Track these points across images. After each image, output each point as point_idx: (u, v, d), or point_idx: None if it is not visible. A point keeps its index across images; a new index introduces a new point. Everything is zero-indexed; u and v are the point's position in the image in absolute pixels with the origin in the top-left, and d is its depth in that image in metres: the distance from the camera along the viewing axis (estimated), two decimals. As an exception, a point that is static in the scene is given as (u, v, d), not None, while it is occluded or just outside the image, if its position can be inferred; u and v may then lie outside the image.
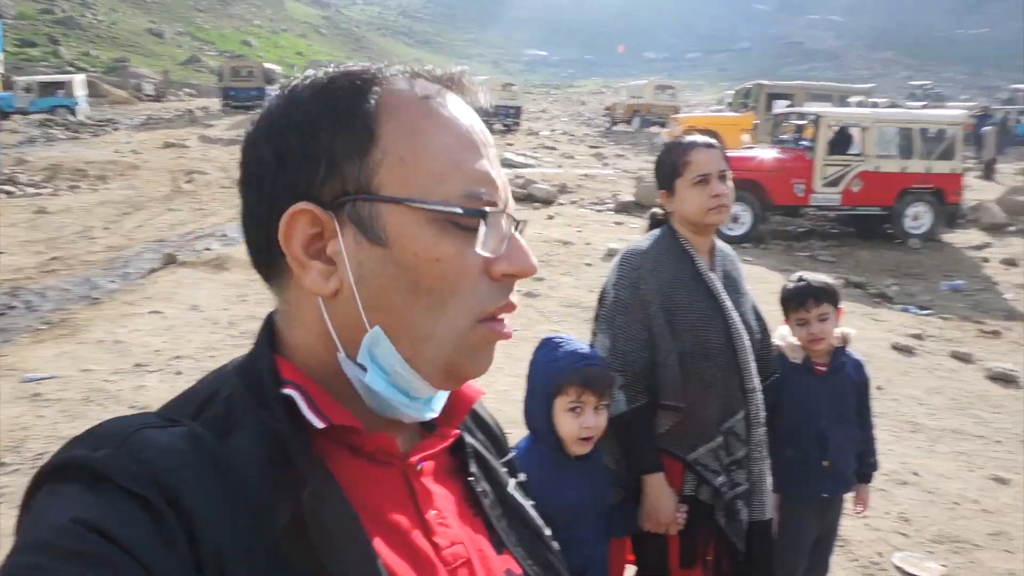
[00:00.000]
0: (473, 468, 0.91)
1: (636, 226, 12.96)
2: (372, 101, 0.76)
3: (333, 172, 0.74)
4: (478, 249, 0.75)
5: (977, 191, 16.49)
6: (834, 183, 12.88)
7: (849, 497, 3.25)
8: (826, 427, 3.05)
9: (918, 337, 8.36)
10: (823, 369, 3.10)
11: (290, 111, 0.77)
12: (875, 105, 23.37)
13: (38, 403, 5.66)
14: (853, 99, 20.78)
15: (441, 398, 0.85)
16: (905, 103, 41.47)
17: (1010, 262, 12.16)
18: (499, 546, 0.87)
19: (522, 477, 1.00)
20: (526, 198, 14.81)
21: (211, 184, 17.07)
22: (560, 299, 8.92)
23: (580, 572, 2.21)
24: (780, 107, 18.52)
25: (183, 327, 7.54)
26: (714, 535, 2.47)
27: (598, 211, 14.82)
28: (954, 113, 14.88)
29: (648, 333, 2.43)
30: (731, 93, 28.07)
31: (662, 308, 2.42)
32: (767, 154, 13.62)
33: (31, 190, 16.10)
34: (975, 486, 5.06)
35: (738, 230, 12.65)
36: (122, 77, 50.78)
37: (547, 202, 14.84)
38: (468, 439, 0.92)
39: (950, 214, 13.41)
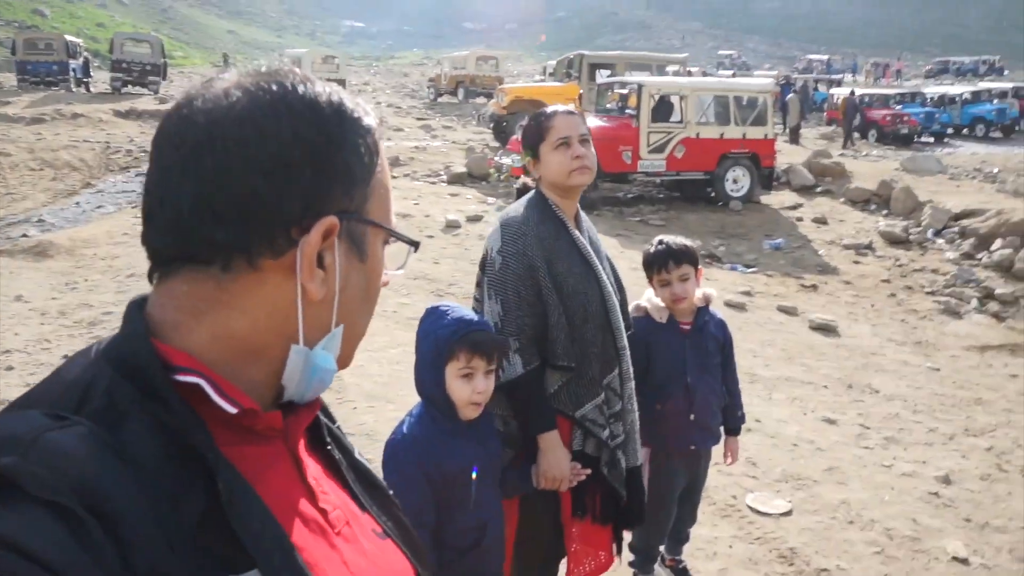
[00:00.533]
0: (328, 438, 0.96)
1: (471, 197, 13.13)
2: (375, 135, 0.86)
3: (348, 191, 0.81)
4: (396, 268, 0.93)
5: (786, 155, 17.64)
6: (659, 150, 13.47)
7: (718, 449, 3.49)
8: (692, 383, 3.26)
9: (748, 294, 8.96)
10: (687, 327, 3.31)
11: (317, 120, 0.80)
12: (690, 74, 24.50)
13: None
14: (670, 68, 21.62)
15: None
16: (716, 71, 43.64)
17: (820, 220, 13.16)
18: (361, 507, 0.94)
19: (338, 424, 1.04)
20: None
21: (17, 166, 15.86)
22: (405, 272, 8.93)
23: (479, 530, 2.31)
24: (602, 77, 19.06)
25: (8, 320, 7.04)
26: (599, 485, 2.63)
27: (432, 183, 14.84)
28: (764, 81, 15.89)
29: (538, 298, 2.53)
30: (552, 63, 28.58)
31: (548, 273, 2.53)
32: (594, 123, 14.04)
33: None
34: (809, 428, 5.53)
35: (572, 198, 13.03)
36: None
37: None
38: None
39: (766, 177, 14.32)
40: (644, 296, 3.33)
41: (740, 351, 6.95)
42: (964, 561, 4.02)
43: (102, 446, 0.67)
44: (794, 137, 23.58)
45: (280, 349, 0.81)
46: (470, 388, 2.26)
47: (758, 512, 4.31)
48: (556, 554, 2.70)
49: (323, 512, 0.84)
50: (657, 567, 3.55)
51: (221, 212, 0.76)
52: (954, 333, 8.65)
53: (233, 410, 0.75)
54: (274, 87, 0.80)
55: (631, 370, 2.72)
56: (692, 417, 3.27)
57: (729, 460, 3.53)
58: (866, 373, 6.93)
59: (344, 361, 0.89)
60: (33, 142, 18.27)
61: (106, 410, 0.71)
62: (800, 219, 13.35)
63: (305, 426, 0.90)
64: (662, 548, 3.58)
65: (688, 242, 3.30)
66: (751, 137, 13.89)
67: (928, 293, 10.02)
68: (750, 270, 10.36)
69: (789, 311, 8.44)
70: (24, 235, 10.49)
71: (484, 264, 2.64)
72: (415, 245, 0.93)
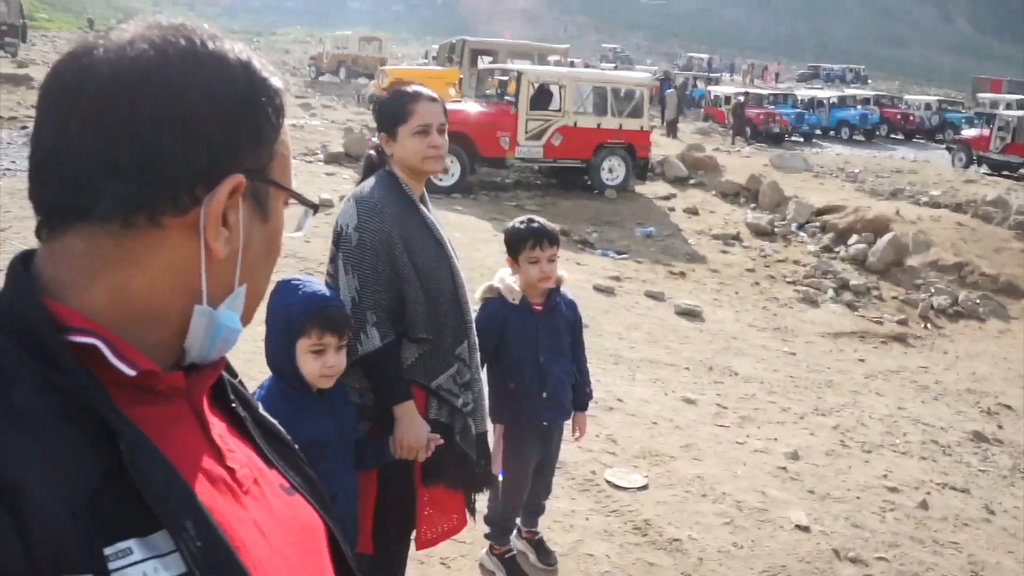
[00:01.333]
0: (232, 395, 0.95)
1: (347, 177, 12.92)
2: (281, 96, 0.84)
3: (254, 149, 0.81)
4: (296, 233, 0.96)
5: (662, 147, 18.10)
6: (536, 136, 13.59)
7: (568, 425, 3.57)
8: (544, 362, 3.32)
9: (617, 279, 9.16)
10: (539, 308, 3.35)
11: (226, 76, 0.78)
12: (572, 64, 24.82)
13: None
14: (552, 58, 21.82)
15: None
16: (599, 64, 44.31)
17: (691, 211, 13.56)
18: (268, 463, 0.92)
19: (240, 378, 1.03)
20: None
21: None
22: (303, 234, 8.75)
23: (330, 499, 2.28)
24: (484, 63, 19.10)
25: None
26: (451, 451, 2.69)
27: (308, 162, 14.52)
28: (641, 75, 16.24)
29: (395, 273, 2.55)
30: (436, 47, 28.48)
31: (405, 249, 2.56)
32: (474, 108, 14.11)
33: None
34: (669, 407, 5.71)
35: (448, 181, 12.99)
36: None
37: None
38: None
39: (641, 167, 14.62)
40: (496, 277, 3.36)
41: (606, 334, 7.16)
42: (806, 529, 4.24)
43: None
44: (671, 131, 24.22)
45: (182, 309, 0.79)
46: (320, 363, 2.24)
47: (616, 486, 4.42)
48: (412, 521, 2.72)
49: (230, 471, 0.82)
50: (513, 539, 3.60)
51: (124, 167, 0.73)
52: (811, 320, 9.07)
53: (131, 372, 0.73)
54: (182, 41, 0.77)
55: (477, 342, 2.80)
56: (544, 395, 3.33)
57: (577, 435, 3.64)
58: (727, 356, 7.20)
59: (246, 320, 0.87)
60: None
61: None
62: (672, 209, 13.71)
63: (209, 384, 0.88)
64: (518, 521, 3.63)
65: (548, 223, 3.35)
66: (627, 128, 14.14)
67: (789, 283, 10.46)
68: (621, 256, 10.58)
69: (656, 296, 8.67)
70: None
71: (339, 240, 2.63)
72: (314, 208, 0.94)
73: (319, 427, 2.28)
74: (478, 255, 8.88)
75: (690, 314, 8.25)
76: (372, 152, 2.78)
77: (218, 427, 0.87)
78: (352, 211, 2.59)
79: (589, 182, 14.36)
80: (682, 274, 10.05)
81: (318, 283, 2.43)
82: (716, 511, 4.30)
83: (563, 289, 3.46)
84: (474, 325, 2.79)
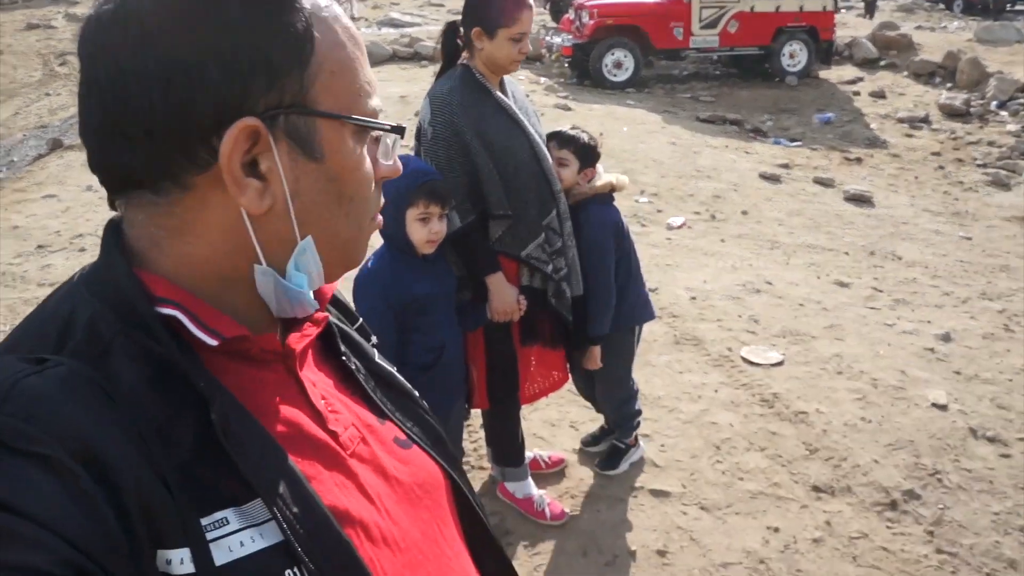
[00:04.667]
0: (343, 347, 0.92)
1: (523, 78, 13.15)
2: (306, 5, 0.73)
3: (273, 83, 0.70)
4: (383, 160, 0.82)
5: (851, 28, 17.07)
6: (711, 25, 13.24)
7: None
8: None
9: (786, 167, 9.00)
10: None
11: (212, 8, 0.69)
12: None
13: (-56, 287, 5.81)
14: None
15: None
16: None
17: (878, 94, 12.87)
18: (381, 416, 0.90)
19: (375, 340, 1.02)
20: (412, 56, 14.74)
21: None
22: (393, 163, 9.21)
23: (439, 349, 2.69)
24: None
25: (80, 207, 7.62)
26: (547, 313, 2.99)
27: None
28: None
29: (468, 160, 2.81)
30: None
31: (476, 136, 2.81)
32: (645, -1, 13.89)
33: None
34: (819, 290, 5.74)
35: (621, 76, 13.02)
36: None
37: (435, 60, 14.71)
38: (331, 319, 0.93)
39: (824, 51, 13.94)
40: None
41: (765, 220, 7.18)
42: (943, 407, 4.24)
43: (85, 385, 0.64)
44: (870, 10, 22.59)
45: (248, 271, 0.76)
46: (427, 230, 2.60)
47: (750, 363, 4.59)
48: (515, 377, 3.08)
49: (333, 434, 0.80)
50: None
51: (127, 131, 0.69)
52: (998, 204, 8.57)
53: (213, 342, 0.71)
54: None
55: (568, 210, 3.02)
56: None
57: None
58: (892, 241, 7.03)
59: (332, 271, 0.81)
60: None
61: (88, 343, 0.67)
62: (857, 93, 13.08)
63: (307, 344, 0.85)
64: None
65: (587, 136, 3.22)
66: (809, 9, 13.49)
67: (979, 166, 9.86)
68: (794, 144, 10.32)
69: (825, 183, 8.49)
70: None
71: (419, 135, 2.92)
72: (397, 131, 0.82)
73: (425, 285, 2.67)
74: (643, 147, 9.00)
75: (859, 199, 8.04)
76: (447, 40, 2.94)
77: (322, 386, 0.85)
78: (427, 108, 2.87)
79: (769, 69, 13.85)
80: (858, 160, 9.71)
81: (421, 160, 2.78)
82: (849, 387, 4.39)
83: (605, 205, 3.28)
84: (563, 195, 3.00)
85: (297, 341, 0.83)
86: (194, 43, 0.67)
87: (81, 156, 9.34)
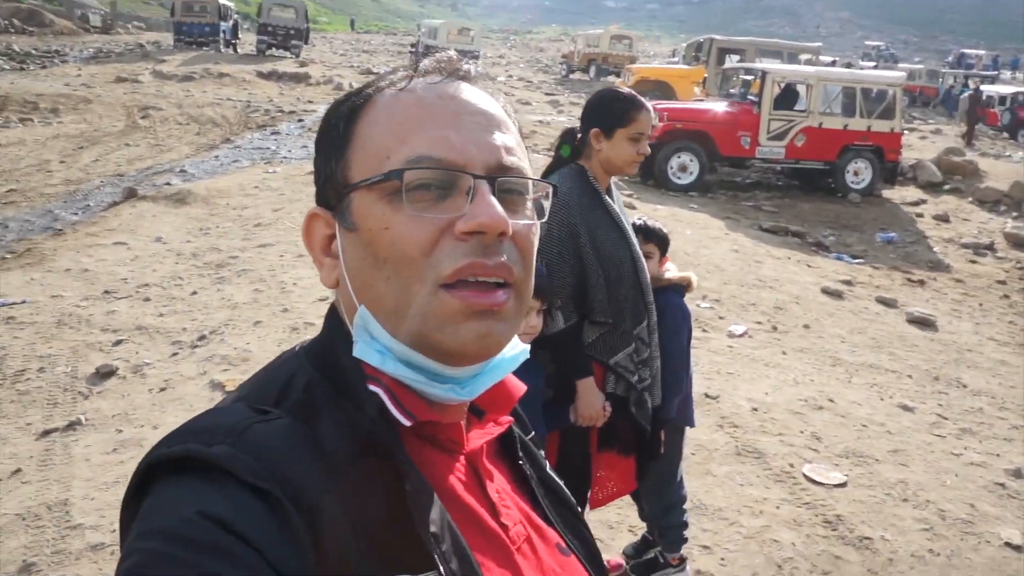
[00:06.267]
0: (520, 452, 0.97)
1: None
2: (351, 107, 0.85)
3: (328, 178, 0.85)
4: (407, 211, 0.76)
5: (916, 150, 17.11)
6: (779, 137, 13.36)
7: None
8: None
9: (848, 283, 8.91)
10: None
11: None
12: (835, 64, 23.79)
13: (12, 326, 5.91)
14: (803, 57, 21.18)
15: (479, 382, 0.84)
16: (859, 63, 42.16)
17: (942, 218, 12.80)
18: (547, 522, 0.93)
19: (533, 435, 1.06)
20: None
21: (167, 120, 17.02)
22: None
23: None
24: (731, 61, 18.91)
25: (148, 257, 7.78)
26: (627, 422, 2.94)
27: (550, 156, 15.08)
28: (895, 74, 15.39)
29: (579, 261, 2.81)
30: (684, 46, 28.41)
31: (588, 239, 2.81)
32: (716, 106, 14.08)
33: (-19, 122, 15.97)
34: (883, 412, 5.59)
35: (686, 179, 13.13)
36: (65, 6, 49.20)
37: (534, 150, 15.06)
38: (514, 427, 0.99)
39: (889, 171, 13.96)
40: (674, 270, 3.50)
41: (827, 336, 7.07)
42: (1017, 548, 4.06)
43: (301, 439, 0.72)
44: (968, 138, 22.52)
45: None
46: (524, 323, 2.59)
47: (812, 481, 4.46)
48: (587, 482, 3.00)
49: (504, 527, 0.83)
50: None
51: None
52: (1068, 339, 8.38)
53: (407, 422, 0.77)
54: None
55: (657, 322, 3.00)
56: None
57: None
58: (957, 368, 6.87)
59: (407, 339, 0.79)
60: (182, 98, 19.56)
61: (302, 405, 0.75)
62: (920, 215, 13.01)
63: (489, 440, 0.89)
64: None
65: (663, 228, 3.28)
66: (876, 130, 13.58)
67: (1049, 298, 9.68)
68: (856, 261, 10.24)
69: (888, 303, 8.37)
70: (167, 183, 11.32)
71: None
72: (396, 175, 0.77)
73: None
74: (706, 252, 8.99)
75: (922, 323, 7.91)
76: (567, 139, 2.97)
77: (498, 481, 0.89)
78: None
79: (832, 185, 13.90)
80: (921, 282, 9.58)
81: None
82: (916, 516, 4.24)
83: (679, 298, 3.29)
84: (654, 307, 2.98)
85: (478, 437, 0.88)
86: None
87: (153, 207, 9.60)
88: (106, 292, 6.76)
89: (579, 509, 1.02)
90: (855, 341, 7.09)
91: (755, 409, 5.29)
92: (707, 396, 5.35)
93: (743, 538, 3.83)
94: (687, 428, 3.39)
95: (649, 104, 2.94)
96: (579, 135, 2.95)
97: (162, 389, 5.02)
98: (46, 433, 4.52)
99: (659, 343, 3.04)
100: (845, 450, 4.89)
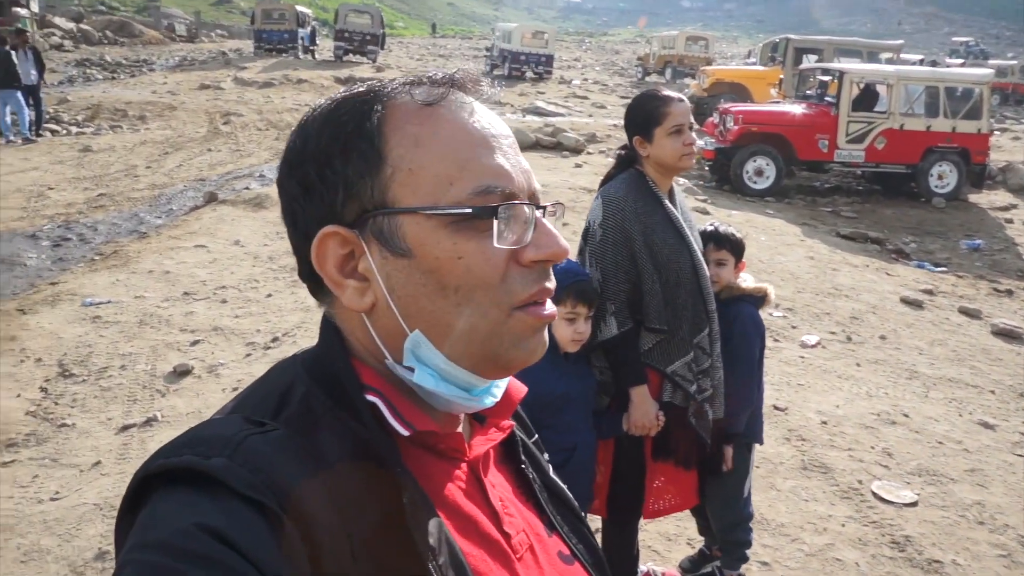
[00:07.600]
0: (523, 457, 0.97)
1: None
2: (375, 120, 0.80)
3: (350, 195, 0.79)
4: (495, 244, 0.78)
5: (1006, 152, 16.50)
6: (858, 140, 13.01)
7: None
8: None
9: (929, 292, 8.64)
10: None
11: (306, 144, 0.82)
12: (922, 62, 22.98)
13: (98, 324, 6.17)
14: (884, 55, 20.58)
15: (500, 386, 0.89)
16: (945, 60, 40.80)
17: (1032, 224, 12.32)
18: (550, 528, 0.93)
19: (547, 456, 1.06)
20: (555, 147, 15.03)
21: (248, 126, 17.48)
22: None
23: (570, 450, 2.64)
24: (809, 61, 18.50)
25: (226, 260, 8.01)
26: (684, 433, 2.89)
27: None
28: (981, 72, 14.79)
29: (634, 267, 2.80)
30: (760, 47, 27.91)
31: (644, 245, 2.80)
32: (792, 109, 13.78)
33: (74, 129, 16.66)
34: (961, 429, 5.41)
35: (762, 184, 12.90)
36: (154, 17, 51.00)
37: (576, 151, 14.97)
38: (516, 431, 0.99)
39: (976, 174, 13.47)
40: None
41: (905, 347, 6.88)
42: (1101, 578, 3.90)
43: (298, 451, 0.72)
44: None
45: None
46: (572, 329, 2.60)
47: (881, 499, 4.34)
48: (641, 492, 2.98)
49: (506, 536, 0.84)
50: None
51: (294, 249, 0.87)
52: None
53: (406, 433, 0.77)
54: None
55: (719, 332, 2.94)
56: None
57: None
58: (1045, 384, 6.60)
59: (477, 366, 0.82)
60: (262, 104, 20.07)
61: (300, 416, 0.76)
62: (1010, 221, 12.53)
63: (490, 446, 0.90)
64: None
65: (737, 233, 3.22)
66: (962, 131, 13.08)
67: None
68: (939, 269, 9.91)
69: (972, 313, 8.08)
70: (246, 188, 11.62)
71: (586, 235, 2.92)
72: (479, 213, 0.78)
73: (565, 383, 2.66)
74: (780, 259, 8.83)
75: (1009, 335, 7.61)
76: (621, 151, 2.98)
77: (501, 488, 0.89)
78: (599, 209, 2.86)
79: (915, 189, 13.48)
80: (1008, 292, 9.23)
81: (573, 261, 2.78)
82: (992, 541, 4.08)
83: (752, 307, 3.21)
84: (716, 315, 2.92)
85: (481, 444, 0.88)
86: (294, 176, 0.82)
87: (232, 211, 9.87)
88: (185, 293, 6.99)
89: (583, 514, 1.02)
90: (934, 353, 6.87)
91: (824, 422, 5.18)
92: (775, 408, 5.26)
93: (805, 555, 3.76)
94: (755, 444, 3.34)
95: (677, 94, 2.91)
96: (625, 149, 2.95)
97: (235, 389, 5.16)
98: (125, 428, 4.72)
99: (728, 354, 3.01)
100: (918, 468, 4.74)
